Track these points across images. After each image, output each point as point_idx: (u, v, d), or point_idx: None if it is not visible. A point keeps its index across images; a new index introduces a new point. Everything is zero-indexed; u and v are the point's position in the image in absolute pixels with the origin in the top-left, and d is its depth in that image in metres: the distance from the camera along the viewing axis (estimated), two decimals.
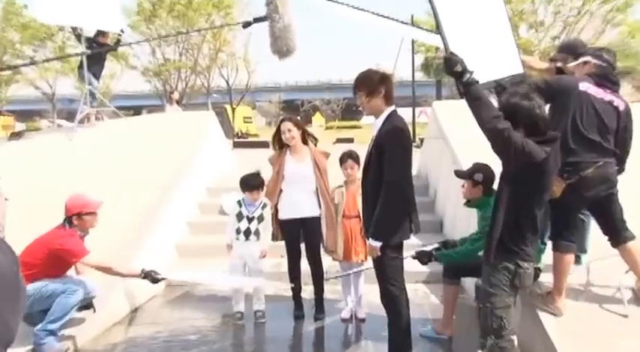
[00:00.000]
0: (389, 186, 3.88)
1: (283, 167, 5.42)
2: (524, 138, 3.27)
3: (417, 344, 4.70)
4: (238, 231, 5.48)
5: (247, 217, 5.47)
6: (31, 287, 4.56)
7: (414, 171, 10.53)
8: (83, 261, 4.81)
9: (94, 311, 5.26)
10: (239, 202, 5.55)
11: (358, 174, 5.17)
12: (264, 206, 5.49)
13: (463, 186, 4.92)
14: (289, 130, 5.38)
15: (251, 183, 5.47)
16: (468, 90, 3.30)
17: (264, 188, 5.54)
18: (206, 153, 10.05)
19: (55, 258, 4.69)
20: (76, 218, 4.86)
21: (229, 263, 5.54)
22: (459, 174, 4.97)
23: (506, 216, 3.39)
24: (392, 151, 3.88)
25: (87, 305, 5.18)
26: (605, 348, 3.86)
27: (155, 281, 5.08)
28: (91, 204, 4.94)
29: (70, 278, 4.94)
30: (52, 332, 4.65)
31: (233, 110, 42.81)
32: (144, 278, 5.04)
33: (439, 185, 8.74)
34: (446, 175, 8.17)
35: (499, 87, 3.80)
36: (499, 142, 3.24)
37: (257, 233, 5.46)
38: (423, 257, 4.92)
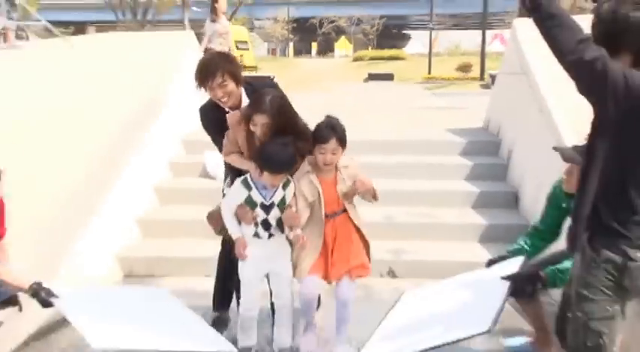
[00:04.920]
0: None
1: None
2: (628, 70, 2.42)
3: None
4: (256, 225, 3.65)
5: (262, 205, 3.60)
6: None
7: (479, 123, 8.32)
8: None
9: (20, 309, 3.82)
10: (245, 182, 3.62)
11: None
12: (287, 184, 3.63)
13: (567, 173, 3.45)
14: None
15: (278, 160, 3.50)
16: (537, 3, 2.43)
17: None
18: (181, 91, 7.07)
19: None
20: None
21: (240, 273, 3.76)
22: (565, 154, 3.34)
23: (603, 184, 2.50)
24: None
25: (8, 300, 3.76)
26: None
27: (45, 304, 3.52)
28: None
29: None
30: None
31: None
32: (32, 296, 3.53)
33: (516, 143, 6.67)
34: (527, 129, 6.34)
35: None
36: (587, 80, 2.42)
37: (280, 224, 3.66)
38: (524, 283, 3.44)
